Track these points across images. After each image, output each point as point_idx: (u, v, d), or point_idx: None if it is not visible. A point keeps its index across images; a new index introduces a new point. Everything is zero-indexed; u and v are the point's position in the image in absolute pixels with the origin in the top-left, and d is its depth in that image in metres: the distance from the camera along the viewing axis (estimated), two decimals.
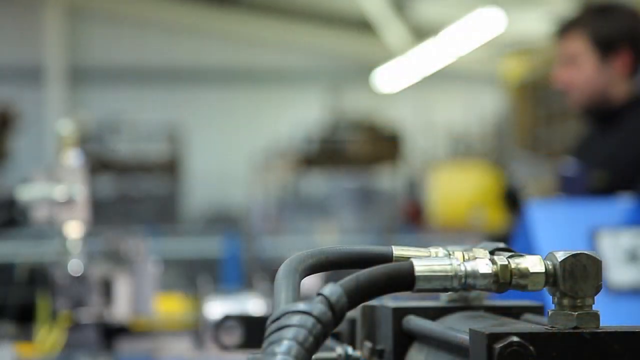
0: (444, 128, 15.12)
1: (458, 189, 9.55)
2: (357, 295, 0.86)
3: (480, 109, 15.48)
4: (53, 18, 14.90)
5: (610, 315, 1.90)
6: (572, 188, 2.93)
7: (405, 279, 0.88)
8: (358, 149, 11.54)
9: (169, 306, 2.76)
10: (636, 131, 2.91)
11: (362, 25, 15.43)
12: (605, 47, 2.90)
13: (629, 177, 2.80)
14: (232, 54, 15.75)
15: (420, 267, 0.88)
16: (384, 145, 10.62)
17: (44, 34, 14.86)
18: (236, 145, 15.45)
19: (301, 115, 15.01)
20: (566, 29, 2.95)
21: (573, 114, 10.89)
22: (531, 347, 0.79)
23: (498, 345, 0.79)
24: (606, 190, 2.75)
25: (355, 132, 11.66)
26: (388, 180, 13.37)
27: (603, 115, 2.95)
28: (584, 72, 2.93)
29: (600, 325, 0.84)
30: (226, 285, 4.08)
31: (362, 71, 15.65)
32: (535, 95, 11.56)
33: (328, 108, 12.11)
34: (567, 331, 0.82)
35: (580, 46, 2.92)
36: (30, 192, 2.09)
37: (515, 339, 0.79)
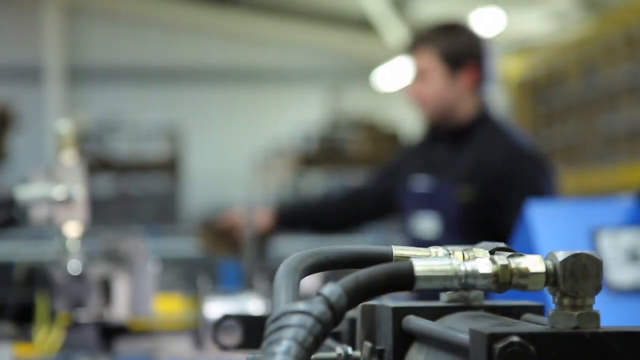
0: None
1: None
2: (357, 294, 0.86)
3: None
4: (52, 17, 14.89)
5: (611, 315, 1.90)
6: (436, 204, 3.03)
7: (405, 279, 0.88)
8: (358, 148, 11.53)
9: (168, 306, 2.75)
10: (489, 147, 3.02)
11: (362, 25, 15.43)
12: (453, 62, 3.03)
13: (491, 192, 2.95)
14: (231, 53, 15.74)
15: (420, 266, 0.88)
16: (383, 144, 10.60)
17: (43, 34, 14.85)
18: (236, 144, 15.44)
19: (301, 115, 15.01)
20: (416, 44, 3.07)
21: (574, 112, 10.91)
22: (531, 347, 0.79)
23: (498, 346, 0.79)
24: (473, 204, 2.93)
25: (355, 132, 11.66)
26: None
27: (452, 130, 3.07)
28: (433, 87, 3.04)
29: (601, 325, 0.84)
30: (226, 284, 4.07)
31: (362, 70, 15.65)
32: (536, 94, 11.55)
33: (328, 107, 12.10)
34: (567, 331, 0.82)
35: (429, 62, 3.03)
36: (29, 192, 2.08)
37: (515, 339, 0.79)
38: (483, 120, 3.07)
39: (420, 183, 3.14)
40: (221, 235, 2.92)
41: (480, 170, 2.99)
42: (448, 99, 3.05)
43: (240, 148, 15.26)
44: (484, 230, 2.96)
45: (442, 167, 3.10)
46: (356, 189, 3.53)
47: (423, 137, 3.27)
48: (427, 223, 3.07)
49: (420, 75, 3.06)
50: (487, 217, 2.97)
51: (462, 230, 2.99)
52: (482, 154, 3.02)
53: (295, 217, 3.31)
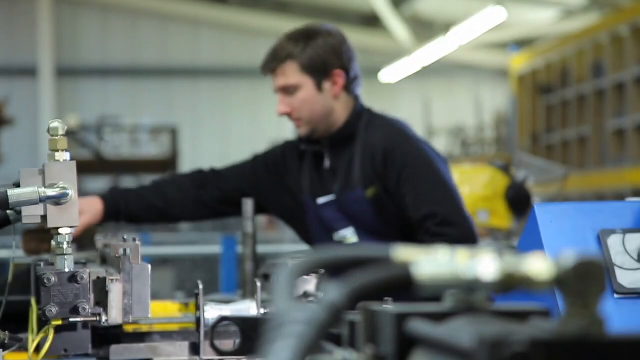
0: (448, 125, 15.09)
1: (461, 188, 9.52)
2: (357, 296, 0.87)
3: (485, 105, 15.46)
4: (47, 16, 14.85)
5: (619, 318, 1.87)
6: (352, 215, 3.02)
7: (406, 281, 0.89)
8: None
9: (165, 308, 2.72)
10: (369, 138, 3.03)
11: (366, 20, 15.40)
12: (318, 73, 3.04)
13: (388, 179, 2.96)
14: (230, 49, 15.71)
15: (422, 268, 0.88)
16: None
17: (37, 32, 14.82)
18: (235, 143, 15.42)
19: None
20: (277, 62, 3.07)
21: (575, 111, 10.87)
22: (538, 354, 0.78)
23: (504, 352, 0.78)
24: (381, 199, 2.95)
25: None
26: None
27: (331, 137, 3.08)
28: (305, 101, 3.04)
29: (608, 329, 0.83)
30: (225, 285, 4.04)
31: (366, 67, 15.63)
32: (540, 90, 11.51)
33: None
34: (574, 337, 0.81)
35: (294, 76, 3.04)
36: (22, 192, 2.05)
37: (521, 345, 0.78)
38: (357, 118, 3.09)
39: (323, 200, 3.12)
40: (44, 234, 2.78)
41: (370, 163, 3.00)
42: (323, 110, 3.07)
43: (239, 147, 15.24)
44: (399, 222, 2.98)
45: (336, 177, 3.10)
46: (212, 171, 3.39)
47: (301, 150, 3.23)
48: (348, 236, 3.06)
49: (288, 91, 3.08)
50: (396, 206, 2.98)
51: (381, 231, 3.00)
52: (365, 146, 3.04)
53: (128, 206, 3.14)
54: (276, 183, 3.21)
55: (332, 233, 3.10)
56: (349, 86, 3.10)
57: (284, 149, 3.30)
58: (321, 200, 3.12)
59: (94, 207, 3.03)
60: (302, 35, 3.08)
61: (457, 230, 2.86)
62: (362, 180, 3.02)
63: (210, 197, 3.21)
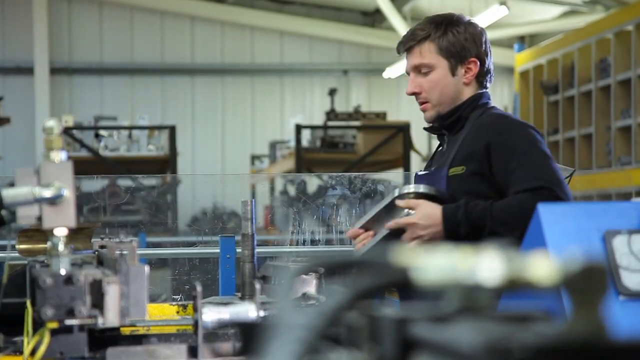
0: None
1: None
2: (355, 299, 0.88)
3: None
4: (42, 13, 14.83)
5: (623, 320, 1.85)
6: (430, 181, 3.06)
7: (407, 285, 0.89)
8: (363, 145, 11.47)
9: (162, 311, 2.70)
10: (477, 124, 3.06)
11: (367, 17, 15.38)
12: (455, 58, 3.07)
13: (480, 161, 2.97)
14: (230, 48, 15.69)
15: (423, 272, 0.88)
16: (391, 142, 10.55)
17: (33, 30, 14.79)
18: (234, 143, 15.41)
19: (303, 111, 14.97)
20: (416, 42, 3.09)
21: (580, 110, 10.85)
22: (541, 358, 0.78)
23: (508, 358, 0.78)
24: (461, 176, 2.97)
25: (360, 129, 11.60)
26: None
27: (448, 120, 3.11)
28: (437, 82, 3.08)
29: (613, 330, 0.82)
30: (223, 287, 4.02)
31: (368, 64, 15.62)
32: (544, 89, 11.49)
33: (332, 103, 12.06)
34: (578, 341, 0.81)
35: (431, 57, 3.07)
36: (17, 192, 2.03)
37: (524, 349, 0.78)
38: (470, 104, 3.11)
39: (420, 173, 3.21)
40: (41, 235, 2.75)
41: (470, 143, 3.02)
42: (449, 93, 3.10)
43: (238, 146, 15.24)
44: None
45: (440, 157, 3.16)
46: None
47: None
48: None
49: (420, 71, 3.11)
50: (476, 188, 2.98)
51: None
52: (470, 131, 3.06)
53: None
54: None
55: None
56: (480, 77, 3.13)
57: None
58: (419, 172, 3.20)
59: None
60: (445, 20, 3.12)
61: None
62: (454, 160, 3.03)
63: None
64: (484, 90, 3.17)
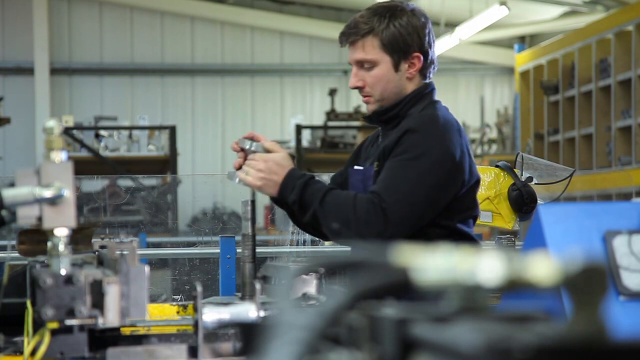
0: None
1: None
2: (355, 299, 0.88)
3: (489, 104, 15.44)
4: (42, 13, 14.81)
5: (623, 320, 1.85)
6: (367, 186, 3.00)
7: (407, 286, 0.89)
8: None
9: (162, 311, 2.70)
10: (406, 121, 3.01)
11: None
12: (398, 52, 3.01)
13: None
14: (230, 48, 15.67)
15: (423, 273, 0.88)
16: None
17: (33, 31, 14.77)
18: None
19: (302, 112, 14.96)
20: (359, 36, 3.02)
21: (580, 110, 10.84)
22: (541, 358, 0.78)
23: (507, 356, 0.78)
24: (376, 175, 2.93)
25: (360, 129, 11.61)
26: None
27: (380, 115, 3.07)
28: (380, 78, 3.03)
29: (613, 331, 0.83)
30: (223, 287, 4.02)
31: None
32: (545, 89, 11.48)
33: (332, 103, 12.06)
34: (578, 341, 0.81)
35: (374, 53, 3.01)
36: (18, 192, 2.03)
37: (525, 349, 0.78)
38: (411, 100, 3.06)
39: (356, 167, 3.15)
40: (41, 236, 2.74)
41: (390, 142, 2.99)
42: (393, 89, 3.05)
43: None
44: None
45: (371, 153, 3.12)
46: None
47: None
48: None
49: (363, 66, 3.05)
50: None
51: None
52: (399, 129, 3.02)
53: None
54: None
55: None
56: (424, 70, 3.08)
57: (366, 138, 3.30)
58: (355, 167, 3.15)
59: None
60: (387, 10, 3.04)
61: (383, 225, 2.80)
62: (379, 158, 3.01)
63: None
64: (427, 81, 3.11)
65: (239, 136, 3.17)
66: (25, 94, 14.71)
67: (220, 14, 15.24)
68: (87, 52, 15.17)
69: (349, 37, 3.05)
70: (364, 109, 3.20)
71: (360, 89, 3.08)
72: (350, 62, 3.10)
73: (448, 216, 2.95)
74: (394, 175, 2.88)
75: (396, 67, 3.03)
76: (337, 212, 2.83)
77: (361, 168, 3.11)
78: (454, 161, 2.94)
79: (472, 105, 15.73)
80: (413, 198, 2.86)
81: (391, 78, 3.04)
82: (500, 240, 4.01)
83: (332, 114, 11.62)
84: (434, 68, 3.12)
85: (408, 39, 3.01)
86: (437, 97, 3.13)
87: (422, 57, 3.05)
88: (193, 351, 2.22)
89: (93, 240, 2.55)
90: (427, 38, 3.06)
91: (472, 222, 3.05)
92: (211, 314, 2.15)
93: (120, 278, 2.08)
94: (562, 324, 0.84)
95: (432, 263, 0.91)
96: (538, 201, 3.73)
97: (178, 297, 4.05)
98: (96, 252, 2.46)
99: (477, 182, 3.04)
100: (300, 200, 2.89)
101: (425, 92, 3.09)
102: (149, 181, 11.19)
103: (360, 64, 3.05)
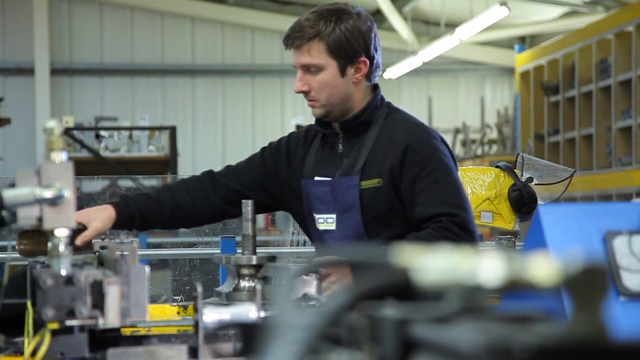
0: (451, 124, 15.06)
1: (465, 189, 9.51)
2: (355, 300, 0.88)
3: (489, 104, 15.43)
4: (43, 14, 14.81)
5: (624, 321, 1.85)
6: (338, 197, 2.99)
7: (407, 286, 0.89)
8: None
9: (163, 311, 2.70)
10: (388, 129, 3.01)
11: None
12: (344, 57, 2.98)
13: (396, 173, 2.94)
14: (230, 48, 15.67)
15: (424, 274, 0.88)
16: None
17: (34, 31, 14.77)
18: (235, 143, 15.39)
19: (302, 112, 14.96)
20: (304, 40, 2.98)
21: (581, 110, 10.84)
22: (541, 358, 0.78)
23: (507, 356, 0.78)
24: (377, 189, 2.93)
25: None
26: None
27: (347, 122, 3.04)
28: (326, 83, 2.99)
29: (613, 331, 0.82)
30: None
31: None
32: (545, 89, 11.48)
33: None
34: (579, 341, 0.81)
35: (320, 57, 2.98)
36: (18, 192, 2.03)
37: (525, 350, 0.78)
38: (375, 108, 3.06)
39: (319, 178, 3.09)
40: (42, 236, 2.74)
41: (384, 156, 2.97)
42: (339, 94, 3.02)
43: (239, 146, 15.22)
44: (384, 220, 2.96)
45: (335, 159, 3.08)
46: (225, 168, 3.29)
47: (312, 134, 3.19)
48: (329, 219, 3.03)
49: (309, 70, 3.01)
50: (394, 202, 2.95)
51: (362, 223, 2.97)
52: (382, 139, 3.00)
53: (140, 209, 3.06)
54: (282, 170, 3.17)
55: (314, 214, 3.05)
56: (369, 74, 3.06)
57: (290, 136, 3.25)
58: (317, 178, 3.08)
59: (105, 213, 2.99)
60: (332, 14, 3.00)
61: (470, 237, 2.86)
62: (365, 169, 2.98)
63: (220, 196, 3.17)
64: (373, 84, 3.10)
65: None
66: (26, 95, 14.72)
67: (221, 14, 15.24)
68: (88, 53, 15.17)
69: (295, 40, 3.00)
70: None
71: (305, 93, 3.04)
72: (294, 66, 3.05)
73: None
74: (437, 191, 2.90)
75: (342, 72, 3.00)
76: None
77: (327, 179, 3.05)
78: (452, 155, 3.05)
79: (472, 106, 15.72)
80: (466, 199, 2.94)
81: (337, 83, 3.01)
82: (500, 240, 4.02)
83: None
84: (378, 72, 3.11)
85: (354, 44, 2.99)
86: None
87: (368, 62, 3.03)
88: (193, 352, 2.21)
89: (94, 241, 2.55)
90: (373, 42, 3.04)
91: None
92: (211, 315, 2.15)
93: (121, 278, 2.08)
94: (563, 325, 0.84)
95: (433, 263, 0.90)
96: (538, 202, 3.73)
97: (178, 297, 4.05)
98: (97, 253, 2.46)
99: None
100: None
101: (379, 97, 3.09)
102: (149, 181, 11.19)
103: (306, 67, 3.00)
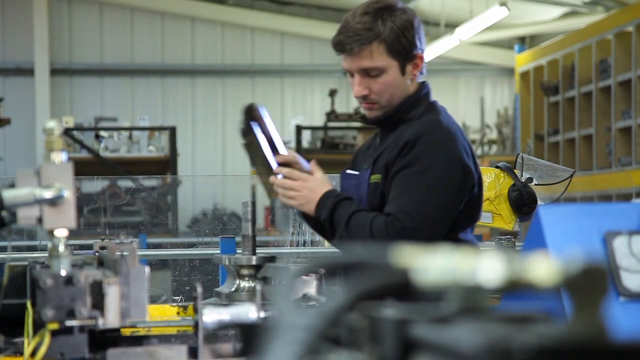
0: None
1: None
2: (356, 300, 0.88)
3: (489, 105, 15.43)
4: (43, 14, 14.80)
5: (624, 321, 1.85)
6: (355, 192, 2.95)
7: (407, 287, 0.89)
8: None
9: (163, 312, 2.70)
10: (401, 134, 2.91)
11: None
12: (404, 55, 2.91)
13: (389, 170, 2.87)
14: (230, 49, 15.67)
15: (424, 274, 0.88)
16: None
17: (33, 31, 14.77)
18: (235, 143, 15.39)
19: (302, 113, 14.96)
20: (363, 43, 2.88)
21: (580, 111, 10.84)
22: (541, 359, 0.78)
23: (507, 357, 0.78)
24: (377, 185, 2.87)
25: (361, 130, 11.62)
26: None
27: (380, 122, 2.98)
28: (389, 84, 2.91)
29: (613, 332, 0.82)
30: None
31: None
32: (545, 90, 11.48)
33: (332, 104, 12.07)
34: (579, 342, 0.80)
35: (382, 59, 2.89)
36: (18, 193, 2.03)
37: (525, 350, 0.78)
38: (411, 104, 2.96)
39: (349, 171, 3.09)
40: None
41: (391, 151, 2.90)
42: (400, 93, 2.95)
43: (239, 147, 15.22)
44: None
45: (372, 152, 3.04)
46: None
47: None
48: None
49: (369, 73, 2.92)
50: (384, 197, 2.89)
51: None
52: (397, 137, 2.93)
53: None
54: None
55: None
56: (422, 71, 2.98)
57: (366, 141, 3.23)
58: (348, 171, 3.08)
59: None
60: (383, 12, 2.89)
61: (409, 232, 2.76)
62: (375, 164, 2.94)
63: None
64: (421, 81, 3.01)
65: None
66: (26, 95, 14.71)
67: (221, 15, 15.24)
68: (88, 53, 15.17)
69: (353, 45, 2.88)
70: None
71: (365, 97, 2.94)
72: (348, 70, 2.94)
73: (452, 227, 2.87)
74: (404, 192, 2.81)
75: (403, 71, 2.92)
76: (357, 236, 2.77)
77: (355, 173, 3.03)
78: (463, 165, 2.87)
79: (472, 106, 15.72)
80: (428, 214, 2.79)
81: (399, 83, 2.92)
82: (500, 241, 4.02)
83: (332, 115, 11.62)
84: (425, 68, 3.02)
85: (410, 40, 2.90)
86: (435, 97, 3.08)
87: (423, 56, 2.95)
88: (193, 352, 2.22)
89: (93, 241, 2.56)
90: (421, 34, 2.95)
91: (471, 230, 2.98)
92: (211, 315, 2.15)
93: (121, 279, 2.08)
94: (563, 325, 0.84)
95: (433, 264, 0.90)
96: (538, 202, 3.73)
97: (178, 298, 4.05)
98: (96, 253, 2.46)
99: (481, 185, 2.97)
100: (330, 222, 2.86)
101: (422, 94, 2.99)
102: (149, 182, 11.19)
103: (366, 71, 2.90)
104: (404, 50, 2.90)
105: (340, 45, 2.92)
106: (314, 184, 2.93)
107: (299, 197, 2.92)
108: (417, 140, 2.85)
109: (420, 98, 2.98)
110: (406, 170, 2.83)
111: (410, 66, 2.93)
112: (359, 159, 3.12)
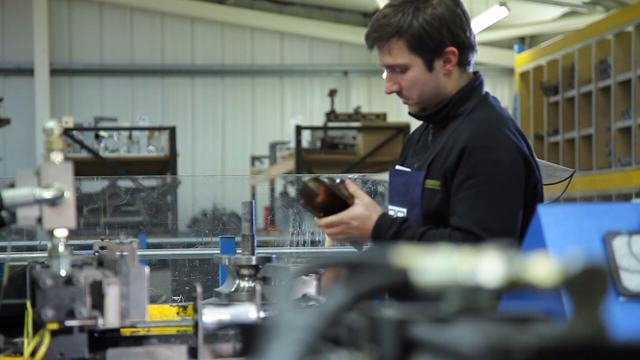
0: None
1: None
2: (356, 300, 0.88)
3: None
4: (42, 14, 14.80)
5: (623, 321, 1.85)
6: (406, 192, 2.84)
7: (407, 286, 0.88)
8: (363, 146, 11.48)
9: (163, 312, 2.70)
10: (455, 134, 2.80)
11: (368, 18, 15.34)
12: (429, 51, 2.79)
13: (448, 175, 2.75)
14: (229, 49, 15.67)
15: (423, 274, 0.88)
16: (391, 142, 10.55)
17: (33, 31, 14.77)
18: (235, 143, 15.40)
19: (302, 113, 14.96)
20: (383, 40, 2.80)
21: (580, 111, 10.84)
22: (541, 359, 0.78)
23: (507, 357, 0.78)
24: (435, 191, 2.75)
25: (360, 130, 11.62)
26: None
27: (435, 109, 2.86)
28: (415, 81, 2.81)
29: (613, 332, 0.83)
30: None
31: (367, 67, 15.61)
32: (545, 90, 11.48)
33: (332, 104, 12.07)
34: (579, 342, 0.81)
35: (403, 57, 2.79)
36: (18, 193, 2.03)
37: (525, 350, 0.78)
38: (462, 99, 2.85)
39: (400, 168, 2.97)
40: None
41: (445, 156, 2.78)
42: (431, 90, 2.83)
43: (239, 147, 15.22)
44: (446, 220, 2.76)
45: (423, 150, 2.92)
46: None
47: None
48: (399, 213, 2.87)
49: (395, 69, 2.83)
50: (445, 207, 2.76)
51: (422, 221, 2.79)
52: (451, 136, 2.81)
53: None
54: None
55: (388, 205, 2.91)
56: (462, 60, 2.82)
57: (414, 131, 3.10)
58: (398, 167, 2.95)
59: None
60: (409, 5, 2.76)
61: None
62: (431, 168, 2.80)
63: None
64: (471, 72, 2.88)
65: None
66: (25, 95, 14.71)
67: (220, 15, 15.24)
68: (87, 53, 15.17)
69: (375, 41, 2.81)
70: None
71: (397, 92, 2.86)
72: (381, 65, 2.86)
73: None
74: (478, 205, 2.68)
75: (429, 67, 2.80)
76: None
77: (407, 170, 2.91)
78: (526, 160, 2.77)
79: None
80: (508, 223, 2.68)
81: (426, 79, 2.81)
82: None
83: (332, 115, 11.62)
84: (473, 55, 2.86)
85: (437, 35, 2.76)
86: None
87: (457, 50, 2.80)
88: (193, 352, 2.22)
89: (93, 241, 2.56)
90: (457, 26, 2.78)
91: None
92: (211, 315, 2.15)
93: (120, 279, 2.08)
94: (562, 325, 0.84)
95: (432, 264, 0.90)
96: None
97: (178, 298, 4.05)
98: (96, 253, 2.46)
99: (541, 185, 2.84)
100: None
101: (472, 87, 2.86)
102: (149, 182, 11.19)
103: (391, 68, 2.82)
104: (428, 47, 2.77)
105: (366, 40, 2.87)
106: (358, 223, 2.73)
107: (351, 238, 2.76)
108: (475, 148, 2.73)
109: (470, 91, 2.86)
110: (471, 181, 2.70)
111: (440, 61, 2.80)
112: (409, 151, 3.00)
